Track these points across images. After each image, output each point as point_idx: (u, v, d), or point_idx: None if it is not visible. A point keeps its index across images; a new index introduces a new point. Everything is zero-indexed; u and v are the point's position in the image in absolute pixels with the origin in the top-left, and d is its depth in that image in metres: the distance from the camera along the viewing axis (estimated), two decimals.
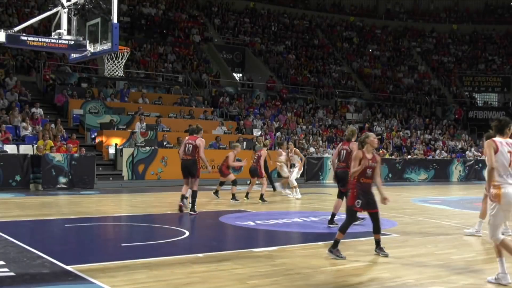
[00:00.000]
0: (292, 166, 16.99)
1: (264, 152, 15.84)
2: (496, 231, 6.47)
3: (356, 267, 7.34)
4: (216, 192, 16.02)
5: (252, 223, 11.11)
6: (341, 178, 10.65)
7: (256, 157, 15.72)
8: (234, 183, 15.41)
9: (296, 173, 17.05)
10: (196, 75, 30.90)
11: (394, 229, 10.68)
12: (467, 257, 8.18)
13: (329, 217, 10.72)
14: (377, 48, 42.94)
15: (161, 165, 20.90)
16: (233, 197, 15.12)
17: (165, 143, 21.79)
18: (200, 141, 12.42)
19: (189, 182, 12.59)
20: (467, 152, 30.74)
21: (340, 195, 10.65)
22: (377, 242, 8.13)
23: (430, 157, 29.03)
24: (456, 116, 37.70)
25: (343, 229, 7.86)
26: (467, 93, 41.19)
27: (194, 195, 12.41)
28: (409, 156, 28.33)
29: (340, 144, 11.07)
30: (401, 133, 32.03)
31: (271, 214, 12.70)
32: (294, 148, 17.25)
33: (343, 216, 8.24)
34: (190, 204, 12.42)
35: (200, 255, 7.86)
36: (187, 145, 12.53)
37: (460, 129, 35.66)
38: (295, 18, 42.34)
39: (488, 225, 6.57)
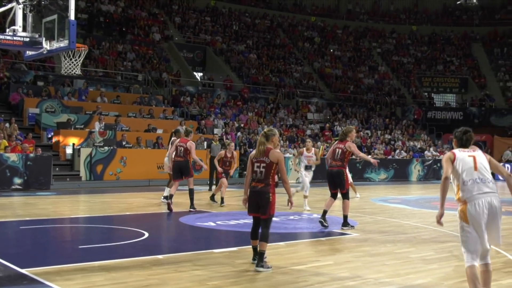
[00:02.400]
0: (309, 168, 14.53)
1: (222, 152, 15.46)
2: (468, 258, 5.45)
3: (317, 267, 7.40)
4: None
5: (212, 224, 11.09)
6: (337, 177, 10.73)
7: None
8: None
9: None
10: (156, 74, 30.65)
11: (354, 229, 10.80)
12: (425, 255, 8.33)
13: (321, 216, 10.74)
14: (338, 48, 43.37)
15: (120, 165, 20.69)
16: None
17: (124, 143, 21.55)
18: (191, 144, 13.09)
19: (177, 183, 13.16)
20: (425, 152, 31.34)
21: (344, 196, 10.76)
22: (260, 254, 7.23)
23: (390, 157, 29.49)
24: (415, 117, 38.39)
25: (269, 238, 7.30)
26: (426, 93, 42.00)
27: (191, 192, 13.18)
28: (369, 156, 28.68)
29: (335, 143, 11.26)
30: (361, 133, 32.42)
31: (231, 214, 12.70)
32: (314, 148, 14.83)
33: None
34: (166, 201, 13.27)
35: (160, 256, 7.81)
36: (178, 147, 13.11)
37: (419, 129, 36.33)
38: (257, 17, 42.45)
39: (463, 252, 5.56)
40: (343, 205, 10.73)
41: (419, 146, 32.54)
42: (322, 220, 10.74)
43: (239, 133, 26.81)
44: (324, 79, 39.59)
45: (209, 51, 36.12)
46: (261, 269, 7.08)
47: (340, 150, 10.85)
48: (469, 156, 5.65)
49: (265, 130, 7.61)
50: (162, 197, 14.83)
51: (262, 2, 44.46)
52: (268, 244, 7.26)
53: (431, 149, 32.00)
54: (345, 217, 10.73)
